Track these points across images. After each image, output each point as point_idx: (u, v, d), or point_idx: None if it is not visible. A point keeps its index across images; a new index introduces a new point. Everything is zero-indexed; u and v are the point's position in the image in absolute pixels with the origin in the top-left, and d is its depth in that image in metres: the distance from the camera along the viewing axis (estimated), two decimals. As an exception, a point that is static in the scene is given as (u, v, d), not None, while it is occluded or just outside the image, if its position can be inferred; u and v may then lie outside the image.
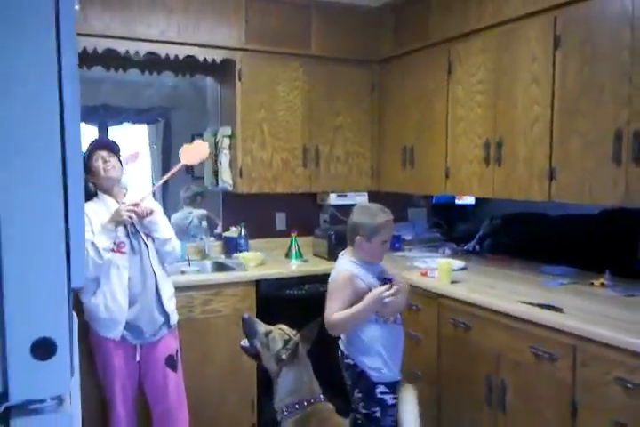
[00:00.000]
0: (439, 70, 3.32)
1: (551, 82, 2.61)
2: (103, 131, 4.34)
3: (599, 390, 2.05)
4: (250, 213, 3.83)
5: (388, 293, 2.27)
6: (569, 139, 2.54)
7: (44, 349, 0.80)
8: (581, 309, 2.35)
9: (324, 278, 3.35)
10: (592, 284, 2.78)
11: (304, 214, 4.06)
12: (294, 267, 3.47)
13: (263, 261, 3.45)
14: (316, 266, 3.48)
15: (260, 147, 3.56)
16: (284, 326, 2.34)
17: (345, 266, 2.40)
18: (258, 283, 3.20)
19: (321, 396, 2.11)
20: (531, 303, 2.43)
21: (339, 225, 4.00)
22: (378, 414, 2.26)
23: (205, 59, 3.38)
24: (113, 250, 2.50)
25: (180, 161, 2.78)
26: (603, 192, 2.40)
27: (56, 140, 0.89)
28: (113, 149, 2.62)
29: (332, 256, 3.59)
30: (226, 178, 3.60)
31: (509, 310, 2.43)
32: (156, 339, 2.63)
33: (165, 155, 4.44)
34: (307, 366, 2.22)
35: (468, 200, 4.87)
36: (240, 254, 3.49)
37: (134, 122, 4.42)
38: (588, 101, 2.45)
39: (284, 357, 2.17)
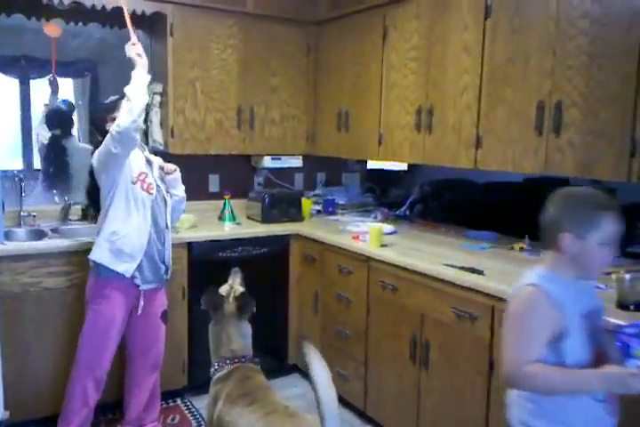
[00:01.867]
0: (375, 35, 3.32)
1: (481, 51, 2.66)
2: (25, 83, 4.11)
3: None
4: (182, 175, 3.73)
5: None
6: (495, 108, 2.62)
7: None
8: (501, 271, 2.47)
9: (256, 241, 3.39)
10: (512, 248, 2.92)
11: (238, 177, 4.03)
12: (227, 229, 3.46)
13: (195, 223, 3.41)
14: (250, 229, 3.49)
15: (193, 106, 3.47)
16: (236, 285, 2.31)
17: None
18: (190, 245, 3.18)
19: (244, 357, 2.11)
20: (454, 266, 2.53)
21: (273, 188, 4.01)
22: None
23: (135, 11, 3.23)
24: (143, 188, 2.61)
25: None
26: (524, 160, 2.50)
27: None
28: None
29: (266, 219, 3.61)
30: (156, 137, 3.51)
31: (433, 273, 2.53)
32: (158, 287, 2.71)
33: (93, 109, 4.26)
34: (229, 326, 2.16)
35: (401, 166, 4.96)
36: (172, 216, 3.43)
37: (59, 75, 4.20)
38: (515, 72, 2.52)
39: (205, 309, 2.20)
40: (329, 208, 4.02)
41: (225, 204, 3.68)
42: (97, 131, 2.74)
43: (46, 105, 3.69)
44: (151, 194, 2.65)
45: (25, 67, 3.93)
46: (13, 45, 3.77)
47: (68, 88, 4.28)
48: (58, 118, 3.64)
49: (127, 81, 3.77)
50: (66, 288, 2.87)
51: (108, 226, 2.58)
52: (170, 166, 2.81)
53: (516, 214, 4.31)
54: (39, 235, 3.18)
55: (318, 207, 4.06)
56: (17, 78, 4.05)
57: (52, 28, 3.39)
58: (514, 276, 2.36)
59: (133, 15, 3.24)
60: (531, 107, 2.45)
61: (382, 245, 2.96)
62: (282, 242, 3.48)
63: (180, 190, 2.85)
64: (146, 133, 3.62)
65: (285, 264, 3.52)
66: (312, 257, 3.39)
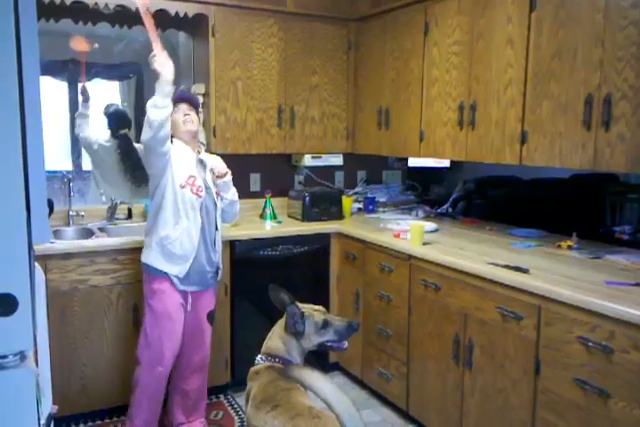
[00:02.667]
0: (416, 31, 3.28)
1: (525, 45, 2.60)
2: (74, 87, 4.24)
3: (562, 349, 2.13)
4: (224, 174, 3.79)
5: None
6: (541, 102, 2.55)
7: (4, 305, 0.80)
8: (547, 270, 2.41)
9: (297, 240, 3.40)
10: (559, 246, 2.84)
11: (279, 176, 4.04)
12: (268, 228, 3.48)
13: (237, 222, 3.44)
14: (290, 227, 3.50)
15: (235, 106, 3.50)
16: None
17: None
18: (232, 244, 3.21)
19: (277, 358, 2.06)
20: (498, 265, 2.48)
21: (313, 187, 4.01)
22: None
23: (177, 13, 3.28)
24: (192, 191, 2.60)
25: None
26: (572, 156, 2.43)
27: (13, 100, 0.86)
28: (193, 102, 2.76)
29: (307, 217, 3.62)
30: (200, 137, 3.54)
31: (477, 272, 2.48)
32: (203, 289, 2.73)
33: (138, 112, 4.35)
34: (277, 325, 2.17)
35: (443, 163, 4.90)
36: (214, 215, 3.47)
37: (105, 78, 4.30)
38: (561, 65, 2.44)
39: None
40: (369, 206, 4.00)
41: (266, 202, 3.70)
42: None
43: (81, 114, 3.70)
44: (200, 197, 2.64)
45: (73, 70, 4.04)
46: (61, 50, 3.89)
47: (114, 91, 4.39)
48: (122, 118, 3.72)
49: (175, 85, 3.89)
50: (112, 285, 2.93)
51: (158, 230, 2.60)
52: (221, 170, 2.74)
53: (563, 211, 4.22)
54: (87, 234, 3.27)
55: (359, 205, 4.04)
56: (65, 82, 4.19)
57: (79, 43, 3.35)
58: (560, 275, 2.32)
59: (176, 17, 3.30)
60: (578, 101, 2.37)
61: (424, 244, 2.93)
62: (322, 240, 3.48)
63: (230, 194, 2.80)
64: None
65: (326, 263, 3.51)
66: (353, 255, 3.37)
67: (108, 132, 3.61)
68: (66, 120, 4.20)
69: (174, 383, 2.86)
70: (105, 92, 4.38)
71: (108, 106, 3.63)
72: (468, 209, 4.26)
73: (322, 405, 1.74)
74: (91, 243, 2.97)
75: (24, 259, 0.82)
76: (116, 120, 3.64)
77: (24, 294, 0.79)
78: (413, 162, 4.54)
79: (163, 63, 2.49)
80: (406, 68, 3.40)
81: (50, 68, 4.05)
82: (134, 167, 2.87)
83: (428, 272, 2.79)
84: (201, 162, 2.74)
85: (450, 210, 4.08)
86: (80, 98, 3.33)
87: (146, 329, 2.68)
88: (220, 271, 2.79)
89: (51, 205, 3.11)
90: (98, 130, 3.56)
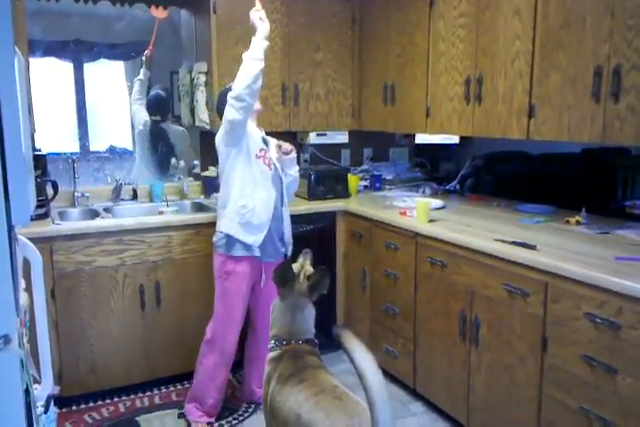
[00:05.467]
0: (421, 3, 3.20)
1: (533, 15, 2.53)
2: (79, 67, 4.20)
3: (569, 325, 2.10)
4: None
5: None
6: (549, 74, 2.49)
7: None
8: (555, 246, 2.37)
9: (303, 218, 3.38)
10: (567, 222, 2.80)
11: (284, 154, 4.00)
12: (274, 207, 3.45)
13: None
14: (296, 206, 3.46)
15: (238, 84, 3.45)
16: (307, 265, 2.25)
17: None
18: (237, 223, 3.19)
19: (300, 340, 2.07)
20: (505, 241, 2.45)
21: (319, 165, 3.97)
22: None
23: (177, -11, 3.22)
24: (264, 162, 2.69)
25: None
26: (580, 129, 2.37)
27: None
28: None
29: (312, 196, 3.59)
30: (202, 116, 3.51)
31: (484, 248, 2.46)
32: (276, 261, 2.70)
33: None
34: (295, 309, 2.08)
35: (452, 139, 4.82)
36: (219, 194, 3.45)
37: (109, 57, 4.26)
38: (570, 36, 2.37)
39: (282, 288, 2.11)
40: (376, 184, 3.96)
41: (272, 181, 3.68)
42: (219, 116, 2.77)
43: (140, 80, 3.91)
44: (271, 169, 2.71)
45: (76, 50, 4.01)
46: (63, 29, 3.85)
47: (119, 70, 4.35)
48: (158, 104, 3.88)
49: (177, 62, 3.85)
50: (117, 266, 2.94)
51: (236, 199, 2.65)
52: (287, 146, 2.82)
53: (573, 187, 4.15)
54: (92, 214, 3.27)
55: (365, 183, 4.00)
56: (70, 62, 4.15)
57: (159, 11, 3.71)
58: (568, 251, 2.29)
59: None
60: (587, 72, 2.31)
61: (430, 221, 2.89)
62: (329, 219, 3.46)
63: (294, 170, 2.89)
64: (192, 113, 3.65)
65: (332, 241, 3.49)
66: (359, 234, 3.35)
67: (146, 116, 3.76)
68: (72, 101, 4.18)
69: (249, 357, 2.94)
70: (110, 72, 4.35)
71: (150, 90, 3.82)
72: (476, 185, 4.20)
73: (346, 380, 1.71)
74: (96, 224, 2.97)
75: (3, 241, 0.80)
76: (154, 106, 3.78)
77: (3, 276, 0.77)
78: (421, 139, 4.47)
79: (262, 18, 2.63)
80: (412, 43, 3.32)
81: (53, 49, 4.01)
82: (162, 152, 2.93)
83: (435, 250, 2.76)
84: (264, 140, 2.78)
85: (458, 187, 4.03)
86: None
87: (218, 311, 2.75)
88: (290, 246, 2.82)
89: (55, 186, 3.15)
90: (139, 111, 3.84)
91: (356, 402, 1.75)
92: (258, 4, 2.68)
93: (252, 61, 2.55)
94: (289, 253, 2.83)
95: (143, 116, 3.86)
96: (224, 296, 2.73)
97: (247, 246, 2.66)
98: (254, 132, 2.72)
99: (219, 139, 2.69)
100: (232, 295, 2.72)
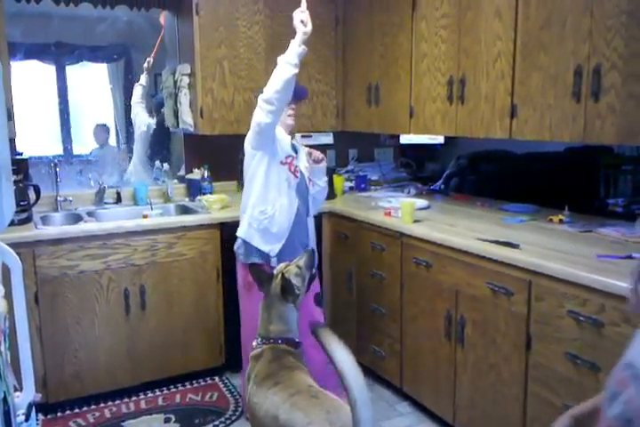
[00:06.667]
0: (404, 4, 3.20)
1: (514, 16, 2.54)
2: (61, 69, 4.17)
3: (553, 323, 2.12)
4: (213, 155, 3.75)
5: None
6: (530, 75, 2.50)
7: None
8: (538, 244, 2.39)
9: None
10: (551, 220, 2.82)
11: (269, 156, 3.99)
12: (259, 209, 3.44)
13: (228, 203, 3.41)
14: (281, 207, 3.46)
15: (221, 86, 3.44)
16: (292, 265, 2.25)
17: None
18: (222, 225, 3.18)
19: (280, 340, 2.06)
20: (488, 240, 2.46)
21: (304, 166, 3.96)
22: None
23: (159, -9, 3.20)
24: (290, 170, 2.61)
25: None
26: (562, 129, 2.39)
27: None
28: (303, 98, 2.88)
29: (297, 197, 3.58)
30: (186, 119, 3.50)
31: (467, 248, 2.47)
32: None
33: (127, 94, 4.29)
34: (270, 308, 2.12)
35: (437, 139, 4.84)
36: (203, 197, 3.44)
37: (91, 60, 4.23)
38: (550, 36, 2.39)
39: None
40: (361, 185, 3.96)
41: (257, 183, 3.66)
42: None
43: (141, 85, 3.95)
44: (297, 177, 2.64)
45: (58, 53, 3.98)
46: (44, 32, 3.82)
47: (102, 73, 4.32)
48: (155, 109, 4.02)
49: (161, 65, 3.84)
50: (102, 271, 2.91)
51: (255, 204, 2.60)
52: (318, 154, 2.75)
53: (556, 185, 4.19)
54: (75, 219, 3.24)
55: (351, 184, 4.00)
56: (52, 65, 4.11)
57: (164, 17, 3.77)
58: (551, 250, 2.30)
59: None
60: (568, 72, 2.33)
61: (415, 221, 2.90)
62: (314, 220, 3.44)
63: (322, 180, 2.81)
64: (176, 115, 3.63)
65: (318, 242, 3.47)
66: (345, 235, 3.35)
67: (147, 118, 3.78)
68: (54, 104, 4.14)
69: None
70: (93, 75, 4.32)
71: (157, 94, 3.86)
72: (461, 185, 4.22)
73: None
74: (79, 228, 2.94)
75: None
76: (158, 110, 3.83)
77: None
78: (407, 139, 4.48)
79: (306, 21, 2.51)
80: (395, 43, 3.33)
81: (34, 52, 3.98)
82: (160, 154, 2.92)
83: (420, 250, 2.77)
84: (294, 147, 2.72)
85: (443, 186, 4.05)
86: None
87: (243, 319, 2.69)
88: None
89: (37, 190, 3.11)
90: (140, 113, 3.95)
91: (332, 399, 1.77)
92: (303, 5, 2.53)
93: (285, 66, 2.47)
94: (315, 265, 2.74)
95: (144, 118, 3.93)
96: (249, 308, 2.61)
97: (264, 255, 2.60)
98: (283, 138, 2.65)
99: (247, 141, 2.63)
100: (257, 305, 2.59)
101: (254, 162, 2.60)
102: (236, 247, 2.68)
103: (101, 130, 4.09)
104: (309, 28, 2.51)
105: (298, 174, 2.65)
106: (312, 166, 2.74)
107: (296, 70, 2.48)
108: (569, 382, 2.06)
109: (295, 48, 2.50)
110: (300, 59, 2.51)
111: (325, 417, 1.68)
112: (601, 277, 1.94)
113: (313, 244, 2.75)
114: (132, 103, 3.96)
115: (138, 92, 3.92)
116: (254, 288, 2.53)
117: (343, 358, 1.56)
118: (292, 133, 2.77)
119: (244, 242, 2.62)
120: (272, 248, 2.59)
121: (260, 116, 2.49)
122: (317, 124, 3.81)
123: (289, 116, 2.68)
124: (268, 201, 2.58)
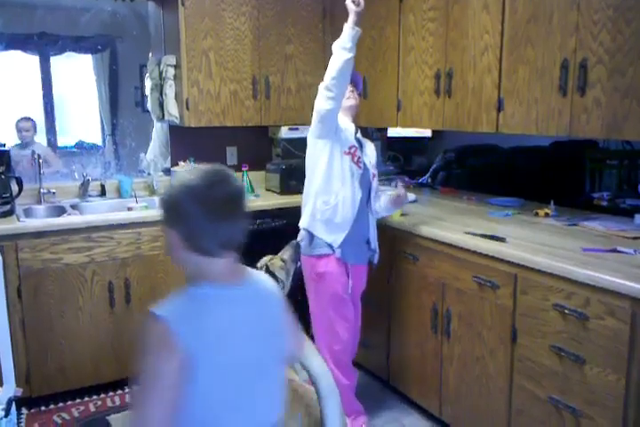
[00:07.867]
0: (391, -4, 3.19)
1: (501, 9, 2.53)
2: (45, 60, 4.11)
3: (538, 316, 2.13)
4: (199, 148, 3.72)
5: None
6: (517, 68, 2.50)
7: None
8: (524, 238, 2.40)
9: (275, 213, 3.36)
10: (537, 214, 2.83)
11: (256, 148, 3.97)
12: (246, 202, 3.42)
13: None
14: (268, 201, 3.45)
15: (207, 77, 3.40)
16: (277, 259, 2.24)
17: None
18: (208, 218, 3.15)
19: None
20: (475, 234, 2.46)
21: (291, 159, 3.94)
22: None
23: (144, -19, 3.16)
24: (353, 160, 2.55)
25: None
26: (548, 123, 2.39)
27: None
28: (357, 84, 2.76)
29: (284, 190, 3.57)
30: (172, 110, 3.46)
31: (454, 241, 2.47)
32: (359, 263, 2.65)
33: (112, 86, 4.24)
34: None
35: (425, 133, 4.84)
36: (189, 190, 3.40)
37: (75, 51, 4.18)
38: (537, 29, 2.39)
39: None
40: (349, 178, 3.94)
41: (243, 176, 3.64)
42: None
43: (137, 88, 3.88)
44: (359, 168, 2.58)
45: (42, 43, 3.92)
46: (27, 22, 3.76)
47: (87, 64, 4.27)
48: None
49: (146, 56, 3.79)
50: (85, 264, 2.88)
51: (318, 194, 2.55)
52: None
53: (542, 179, 4.21)
54: (59, 211, 3.20)
55: (338, 177, 3.98)
56: (36, 55, 4.05)
57: None
58: (537, 243, 2.31)
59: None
60: (554, 66, 2.33)
61: (402, 215, 2.90)
62: (300, 213, 3.43)
63: (384, 210, 2.74)
64: (161, 107, 3.59)
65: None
66: (332, 228, 3.34)
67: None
68: (38, 95, 4.08)
69: None
70: (78, 66, 4.27)
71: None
72: (448, 179, 4.23)
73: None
74: (62, 221, 2.91)
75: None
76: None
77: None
78: (394, 132, 4.48)
79: (359, 3, 2.45)
80: (382, 36, 3.31)
81: (17, 42, 3.91)
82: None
83: (407, 243, 2.77)
84: (359, 141, 2.65)
85: (430, 180, 4.05)
86: None
87: (315, 317, 2.64)
88: (376, 255, 2.70)
89: (20, 182, 3.07)
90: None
91: (311, 392, 1.76)
92: None
93: (340, 51, 2.40)
94: (375, 261, 2.72)
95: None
96: (317, 301, 2.60)
97: (328, 245, 2.54)
98: (347, 128, 2.60)
99: (310, 131, 2.58)
100: (325, 298, 2.57)
101: (317, 151, 2.54)
102: (299, 239, 2.59)
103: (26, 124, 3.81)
104: (362, 6, 2.45)
105: (361, 165, 2.59)
106: (389, 206, 2.69)
107: (351, 54, 2.41)
108: (554, 375, 2.08)
109: (348, 31, 2.43)
110: (355, 41, 2.43)
111: (304, 411, 1.68)
112: (587, 270, 1.95)
113: (374, 239, 2.70)
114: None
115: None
116: (324, 279, 2.54)
117: (308, 351, 1.56)
118: (357, 128, 2.70)
119: (309, 233, 2.57)
120: (335, 238, 2.53)
121: (321, 103, 2.45)
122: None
123: (347, 98, 2.61)
124: (332, 191, 2.53)
